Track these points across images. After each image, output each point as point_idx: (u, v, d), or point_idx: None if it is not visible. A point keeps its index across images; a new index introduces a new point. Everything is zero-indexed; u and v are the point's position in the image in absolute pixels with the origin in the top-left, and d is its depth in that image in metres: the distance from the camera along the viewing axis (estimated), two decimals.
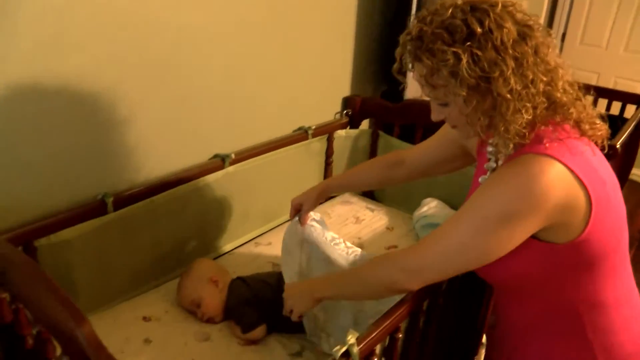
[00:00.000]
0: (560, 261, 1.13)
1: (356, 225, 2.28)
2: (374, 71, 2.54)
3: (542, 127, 1.09)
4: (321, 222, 1.78)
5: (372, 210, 2.39)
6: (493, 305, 1.54)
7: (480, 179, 1.28)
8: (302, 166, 2.28)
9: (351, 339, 1.15)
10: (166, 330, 1.62)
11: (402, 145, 2.38)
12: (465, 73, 1.00)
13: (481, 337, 1.91)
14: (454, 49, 1.00)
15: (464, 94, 1.03)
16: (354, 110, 2.43)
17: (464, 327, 1.81)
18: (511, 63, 1.02)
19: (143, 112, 1.66)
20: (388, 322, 1.25)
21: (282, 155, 2.15)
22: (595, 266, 1.14)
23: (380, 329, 1.23)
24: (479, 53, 1.01)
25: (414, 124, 2.36)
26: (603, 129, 1.16)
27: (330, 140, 2.37)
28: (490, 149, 1.22)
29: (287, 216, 2.23)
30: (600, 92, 2.56)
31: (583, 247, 1.09)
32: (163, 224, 1.78)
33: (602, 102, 2.74)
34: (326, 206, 2.39)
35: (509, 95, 1.03)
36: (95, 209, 1.59)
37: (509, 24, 1.03)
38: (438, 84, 1.06)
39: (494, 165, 1.22)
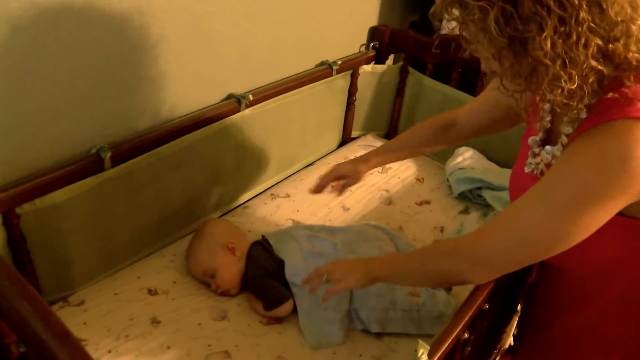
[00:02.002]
0: None
1: (383, 175, 2.03)
2: None
3: (631, 85, 0.88)
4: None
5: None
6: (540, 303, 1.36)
7: (530, 140, 1.10)
8: (324, 106, 2.01)
9: (423, 354, 0.93)
10: (175, 306, 1.40)
11: (435, 85, 2.10)
12: (494, 32, 0.84)
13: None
14: (481, 3, 0.83)
15: (493, 53, 0.87)
16: (381, 43, 2.13)
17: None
18: (552, 20, 0.82)
19: (144, 45, 1.35)
20: (460, 327, 1.03)
21: (304, 94, 1.87)
22: None
23: (452, 337, 1.02)
24: (511, 8, 0.82)
25: (451, 62, 2.06)
26: None
27: (354, 77, 2.08)
28: (546, 106, 1.07)
29: (305, 162, 2.00)
30: None
31: None
32: (169, 178, 1.51)
33: None
34: (348, 151, 2.13)
35: (547, 61, 0.83)
36: (89, 165, 1.31)
37: None
38: (471, 39, 0.91)
39: (548, 125, 1.06)
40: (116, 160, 1.35)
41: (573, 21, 0.82)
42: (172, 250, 1.58)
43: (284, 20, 1.71)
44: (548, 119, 1.06)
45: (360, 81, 2.10)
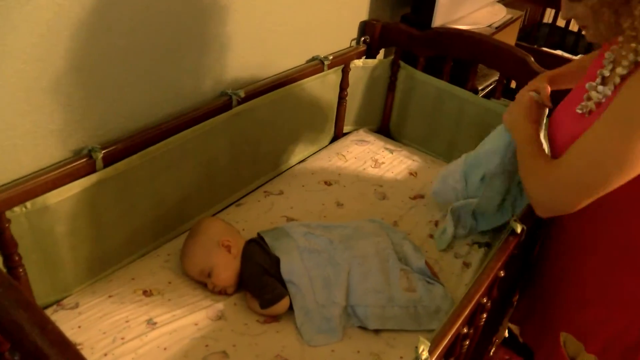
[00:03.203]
0: None
1: (376, 170, 2.02)
2: None
3: None
4: None
5: (392, 152, 2.13)
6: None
7: (587, 85, 1.17)
8: (316, 102, 1.99)
9: (424, 351, 0.93)
10: (171, 307, 1.38)
11: (427, 79, 2.09)
12: None
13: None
14: None
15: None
16: (372, 37, 2.12)
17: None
18: None
19: (132, 43, 1.32)
20: (460, 322, 1.03)
21: (295, 90, 1.85)
22: None
23: (452, 332, 1.01)
24: None
25: (442, 56, 2.05)
26: None
27: (345, 72, 2.06)
28: (609, 55, 1.14)
29: (298, 159, 1.99)
30: None
31: None
32: (162, 177, 1.50)
33: None
34: (340, 146, 2.12)
35: None
36: (81, 166, 1.29)
37: None
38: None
39: (608, 73, 1.13)
40: (108, 161, 1.33)
41: None
42: (167, 250, 1.56)
43: (274, 17, 1.70)
44: (610, 67, 1.12)
45: (351, 76, 2.09)
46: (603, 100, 1.11)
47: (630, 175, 1.00)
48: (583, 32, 1.12)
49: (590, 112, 1.13)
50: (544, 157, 1.18)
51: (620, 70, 1.06)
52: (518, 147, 1.30)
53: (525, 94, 1.37)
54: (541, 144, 1.25)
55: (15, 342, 0.70)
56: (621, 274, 1.21)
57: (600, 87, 1.12)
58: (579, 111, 1.16)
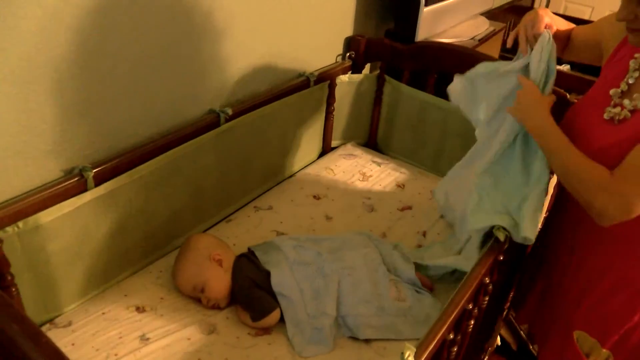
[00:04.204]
0: None
1: (364, 183, 2.05)
2: (380, 6, 2.24)
3: None
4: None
5: (379, 165, 2.17)
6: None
7: (612, 92, 1.23)
8: (303, 117, 2.02)
9: (409, 356, 0.95)
10: (164, 322, 1.40)
11: (412, 92, 2.13)
12: None
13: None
14: None
15: None
16: (357, 52, 2.16)
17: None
18: None
19: (121, 63, 1.36)
20: (445, 328, 1.05)
21: (282, 106, 1.88)
22: None
23: (437, 338, 1.03)
24: None
25: (426, 69, 2.09)
26: None
27: (332, 87, 2.10)
28: (633, 63, 1.21)
29: (286, 174, 2.03)
30: None
31: None
32: (152, 195, 1.52)
33: None
34: (328, 161, 2.16)
35: None
36: (72, 185, 1.31)
37: None
38: None
39: (632, 80, 1.20)
40: (99, 180, 1.35)
41: None
42: (158, 266, 1.58)
43: (260, 35, 1.73)
44: (636, 75, 1.18)
45: (338, 91, 2.12)
46: (639, 108, 1.16)
47: None
48: (628, 35, 1.16)
49: (622, 120, 1.18)
50: (595, 166, 1.16)
51: None
52: (549, 148, 1.27)
53: (529, 84, 1.34)
54: (571, 143, 1.23)
55: (9, 356, 0.71)
56: None
57: (637, 95, 1.16)
58: (607, 117, 1.21)
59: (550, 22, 1.43)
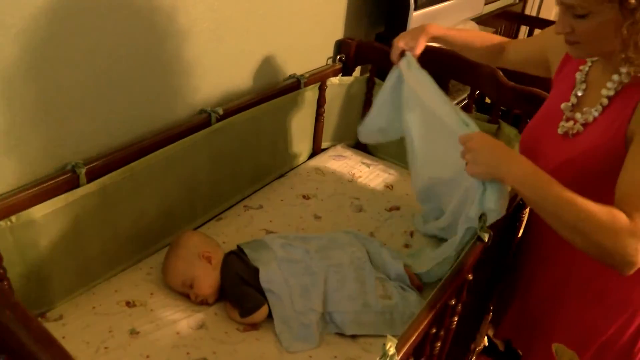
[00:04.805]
0: None
1: (353, 183, 2.09)
2: (370, 10, 2.28)
3: None
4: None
5: (368, 166, 2.20)
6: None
7: (563, 106, 1.21)
8: (294, 118, 2.05)
9: (390, 348, 0.98)
10: (154, 317, 1.42)
11: None
12: None
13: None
14: None
15: (633, 1, 0.95)
16: (348, 55, 2.19)
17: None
18: None
19: (113, 64, 1.38)
20: (426, 321, 1.08)
21: (273, 107, 1.91)
22: None
23: (418, 331, 1.06)
24: None
25: None
26: None
27: (322, 89, 2.13)
28: (579, 76, 1.21)
29: (277, 174, 2.05)
30: None
31: None
32: (144, 192, 1.54)
33: None
34: (318, 161, 2.19)
35: None
36: (64, 181, 1.34)
37: None
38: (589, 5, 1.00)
39: (580, 93, 1.19)
40: (91, 176, 1.38)
41: None
42: (149, 263, 1.60)
43: (251, 36, 1.77)
44: (583, 87, 1.17)
45: (328, 93, 2.15)
46: (590, 121, 1.16)
47: None
48: (568, 49, 1.14)
49: (576, 134, 1.17)
50: (596, 206, 1.01)
51: (605, 92, 1.12)
52: (542, 197, 1.07)
53: (472, 135, 1.21)
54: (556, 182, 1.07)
55: (2, 341, 0.74)
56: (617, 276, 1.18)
57: (587, 109, 1.16)
58: (561, 132, 1.21)
59: (414, 45, 1.54)
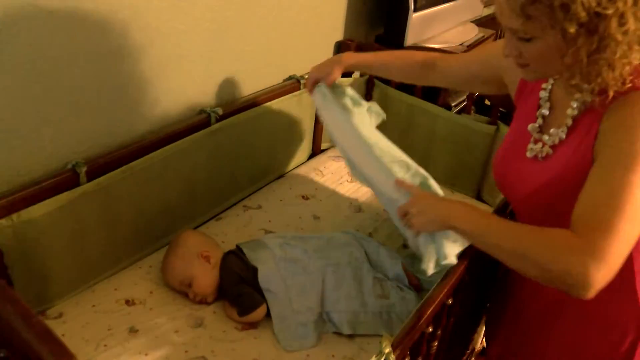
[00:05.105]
0: None
1: (351, 184, 2.10)
2: (369, 12, 2.29)
3: None
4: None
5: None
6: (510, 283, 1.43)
7: (530, 127, 1.16)
8: (293, 119, 2.06)
9: (387, 346, 0.99)
10: (153, 315, 1.43)
11: (401, 96, 2.18)
12: (580, 7, 0.87)
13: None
14: None
15: (573, 30, 0.89)
16: None
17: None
18: (629, 1, 0.88)
19: (114, 65, 1.39)
20: (422, 320, 1.09)
21: (272, 108, 1.92)
22: None
23: (415, 330, 1.07)
24: None
25: None
26: None
27: None
28: (543, 94, 1.14)
29: (276, 174, 2.07)
30: None
31: None
32: (143, 192, 1.55)
33: None
34: (317, 162, 2.20)
35: (620, 37, 0.89)
36: (65, 180, 1.35)
37: None
38: (536, 15, 0.92)
39: (546, 112, 1.13)
40: (91, 175, 1.39)
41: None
42: (148, 262, 1.61)
43: (252, 37, 1.78)
44: (547, 106, 1.13)
45: None
46: (557, 143, 1.10)
47: None
48: (520, 72, 1.08)
49: (545, 157, 1.12)
50: (542, 230, 0.98)
51: (570, 112, 1.07)
52: (479, 235, 1.07)
53: (417, 201, 1.22)
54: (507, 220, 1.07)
55: (2, 335, 0.75)
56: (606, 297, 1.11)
57: (553, 130, 1.11)
58: (530, 155, 1.15)
59: (328, 74, 1.54)
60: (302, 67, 2.05)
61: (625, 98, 0.96)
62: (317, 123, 2.20)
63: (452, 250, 1.19)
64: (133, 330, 1.38)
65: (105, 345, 1.33)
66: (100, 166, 1.41)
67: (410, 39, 2.13)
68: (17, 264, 1.30)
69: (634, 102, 0.96)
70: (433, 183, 1.38)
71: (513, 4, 0.92)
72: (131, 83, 1.46)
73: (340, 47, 2.20)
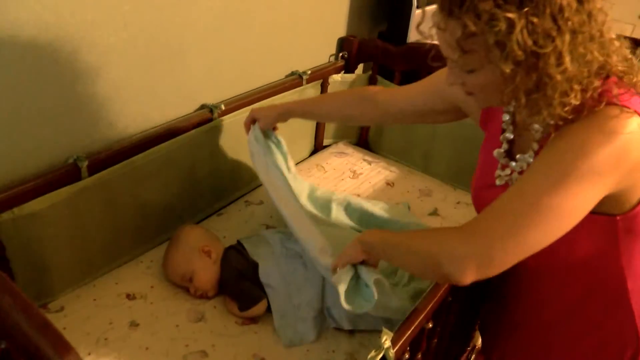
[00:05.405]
0: (617, 233, 1.02)
1: (354, 181, 2.09)
2: (372, 8, 2.29)
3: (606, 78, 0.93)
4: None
5: (370, 163, 2.21)
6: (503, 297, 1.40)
7: (495, 153, 1.12)
8: None
9: (386, 341, 0.99)
10: (154, 310, 1.44)
11: None
12: (516, 45, 0.82)
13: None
14: (508, 14, 0.81)
15: (508, 70, 0.85)
16: (350, 52, 2.20)
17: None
18: (567, 37, 0.84)
19: (116, 59, 1.40)
20: (422, 315, 1.09)
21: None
22: None
23: (415, 326, 1.07)
24: (535, 21, 0.82)
25: (418, 70, 2.13)
26: None
27: (324, 86, 2.14)
28: (506, 117, 1.09)
29: None
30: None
31: None
32: (145, 186, 1.56)
33: None
34: (320, 158, 2.20)
35: (559, 76, 0.85)
36: (67, 174, 1.35)
37: None
38: (473, 49, 0.87)
39: (511, 136, 1.08)
40: (93, 170, 1.39)
41: (581, 36, 0.85)
42: (150, 256, 1.62)
43: (254, 32, 1.77)
44: (511, 129, 1.08)
45: (330, 90, 2.16)
46: (526, 169, 1.06)
47: (568, 228, 0.93)
48: (469, 98, 1.03)
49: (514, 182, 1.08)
50: (424, 229, 1.10)
51: (535, 135, 1.03)
52: (386, 246, 1.12)
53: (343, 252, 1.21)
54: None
55: (1, 327, 0.75)
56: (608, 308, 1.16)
57: (520, 156, 1.07)
58: (500, 183, 1.12)
59: (264, 116, 1.54)
60: (304, 63, 2.05)
61: (583, 119, 0.91)
62: None
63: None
64: (134, 324, 1.38)
65: (106, 339, 1.33)
66: (101, 160, 1.41)
67: (413, 35, 2.13)
68: (19, 257, 1.31)
69: (581, 126, 0.91)
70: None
71: (449, 37, 0.89)
72: (133, 78, 1.46)
73: (342, 43, 2.20)
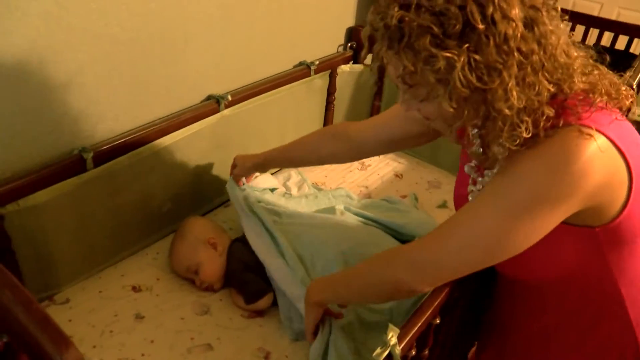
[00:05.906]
0: (601, 244, 0.98)
1: (362, 172, 2.08)
2: None
3: (565, 99, 0.89)
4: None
5: (379, 154, 2.18)
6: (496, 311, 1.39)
7: (466, 168, 1.10)
8: (303, 106, 2.04)
9: (392, 337, 0.97)
10: (159, 302, 1.43)
11: None
12: (459, 83, 0.79)
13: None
14: (447, 53, 0.78)
15: (452, 108, 0.83)
16: (358, 42, 2.17)
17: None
18: (514, 69, 0.81)
19: (121, 49, 1.38)
20: (429, 311, 1.08)
21: (282, 94, 1.90)
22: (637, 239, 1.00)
23: (422, 321, 1.06)
24: (477, 57, 0.79)
25: None
26: (629, 95, 0.96)
27: (332, 77, 2.12)
28: (474, 131, 1.03)
29: None
30: (604, 24, 2.46)
31: (625, 224, 0.94)
32: (151, 178, 1.55)
33: (608, 36, 2.48)
34: None
35: (507, 111, 0.83)
36: (71, 166, 1.34)
37: (515, 11, 0.80)
38: (418, 83, 0.86)
39: (479, 150, 1.03)
40: (98, 161, 1.38)
41: (530, 66, 0.82)
42: (155, 248, 1.61)
43: (261, 22, 1.75)
44: (478, 142, 1.04)
45: (338, 80, 2.14)
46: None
47: (515, 253, 0.94)
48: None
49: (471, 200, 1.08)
50: (369, 260, 1.13)
51: (498, 153, 0.96)
52: (341, 293, 1.19)
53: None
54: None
55: (2, 323, 0.75)
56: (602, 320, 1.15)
57: (487, 172, 1.05)
58: (472, 198, 1.10)
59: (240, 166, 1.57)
60: (312, 53, 2.02)
61: (539, 144, 0.88)
62: (328, 110, 2.18)
63: None
64: (139, 317, 1.38)
65: (111, 331, 1.33)
66: (106, 152, 1.40)
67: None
68: (24, 249, 1.30)
69: (536, 152, 0.88)
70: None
71: (392, 71, 0.88)
72: (139, 69, 1.44)
73: (351, 34, 2.17)
